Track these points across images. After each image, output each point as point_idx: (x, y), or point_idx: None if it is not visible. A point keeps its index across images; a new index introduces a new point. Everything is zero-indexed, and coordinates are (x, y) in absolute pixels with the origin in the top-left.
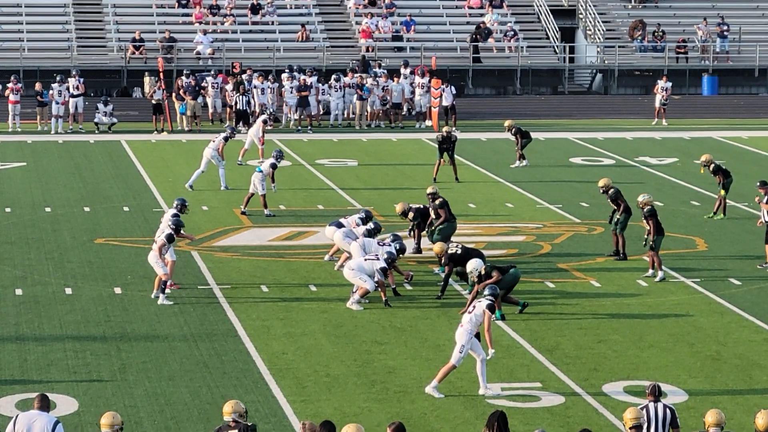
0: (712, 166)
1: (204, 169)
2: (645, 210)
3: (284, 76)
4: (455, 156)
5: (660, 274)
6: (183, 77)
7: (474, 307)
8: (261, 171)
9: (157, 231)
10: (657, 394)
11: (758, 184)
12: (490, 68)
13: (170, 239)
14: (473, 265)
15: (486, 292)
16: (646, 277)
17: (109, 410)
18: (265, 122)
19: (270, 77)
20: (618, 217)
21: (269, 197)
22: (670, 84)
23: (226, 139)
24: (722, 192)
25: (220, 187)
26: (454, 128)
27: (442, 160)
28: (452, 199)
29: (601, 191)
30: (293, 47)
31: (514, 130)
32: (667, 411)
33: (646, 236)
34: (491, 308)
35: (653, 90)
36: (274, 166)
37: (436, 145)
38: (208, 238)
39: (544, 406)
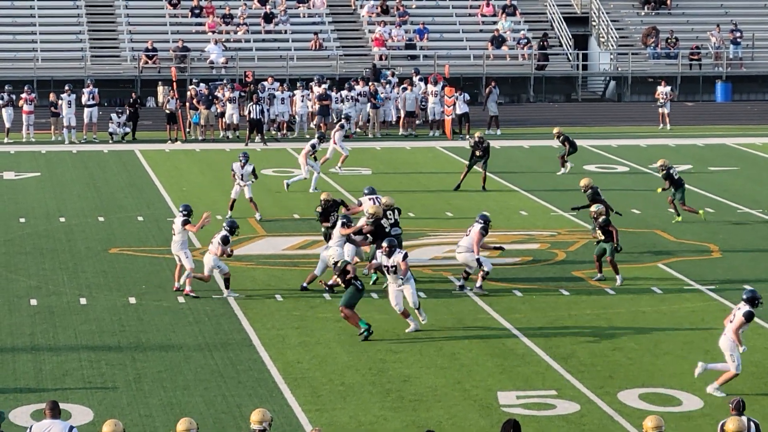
0: (663, 172)
1: (306, 175)
2: (600, 220)
3: (299, 84)
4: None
5: (619, 278)
6: (194, 86)
7: (734, 315)
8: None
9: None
10: (741, 409)
11: None
12: (504, 76)
13: (225, 241)
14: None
15: (745, 295)
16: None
17: (112, 419)
18: (342, 127)
19: (284, 85)
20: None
21: (283, 204)
22: (669, 88)
23: (313, 146)
24: (670, 198)
25: (310, 190)
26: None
27: (480, 167)
28: (467, 207)
29: (582, 191)
30: (306, 56)
31: (562, 137)
32: (752, 425)
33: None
34: (749, 316)
35: (655, 95)
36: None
37: (470, 150)
38: None
39: (559, 414)
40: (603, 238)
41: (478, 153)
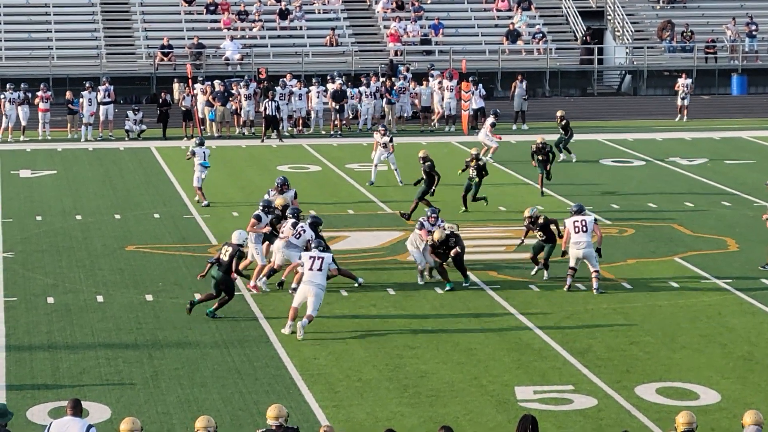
0: (426, 164)
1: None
2: (542, 221)
3: (314, 81)
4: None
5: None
6: (199, 83)
7: None
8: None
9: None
10: None
11: None
12: (519, 70)
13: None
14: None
15: None
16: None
17: (130, 416)
18: (493, 125)
19: (301, 81)
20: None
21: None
22: (689, 81)
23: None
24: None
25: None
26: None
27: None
28: (482, 203)
29: (420, 161)
30: (321, 52)
31: (564, 122)
32: None
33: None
34: None
35: (674, 87)
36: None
37: (533, 157)
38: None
39: (576, 409)
40: (544, 238)
41: (540, 158)
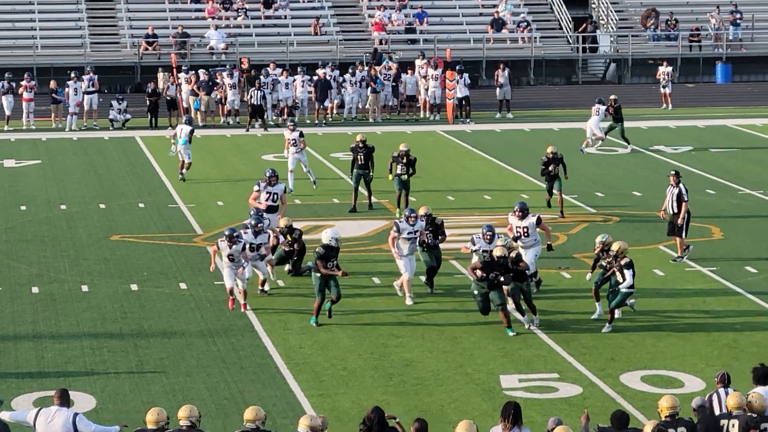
0: (410, 157)
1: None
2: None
3: (299, 70)
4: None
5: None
6: (184, 73)
7: None
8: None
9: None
10: (726, 382)
11: (673, 173)
12: (504, 59)
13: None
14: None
15: None
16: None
17: (155, 406)
18: (607, 110)
19: (287, 71)
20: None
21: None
22: (670, 69)
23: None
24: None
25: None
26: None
27: (550, 194)
28: (468, 192)
29: (361, 145)
30: (306, 41)
31: (617, 104)
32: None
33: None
34: None
35: (656, 76)
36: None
37: (544, 175)
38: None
39: (561, 397)
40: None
41: (551, 171)
